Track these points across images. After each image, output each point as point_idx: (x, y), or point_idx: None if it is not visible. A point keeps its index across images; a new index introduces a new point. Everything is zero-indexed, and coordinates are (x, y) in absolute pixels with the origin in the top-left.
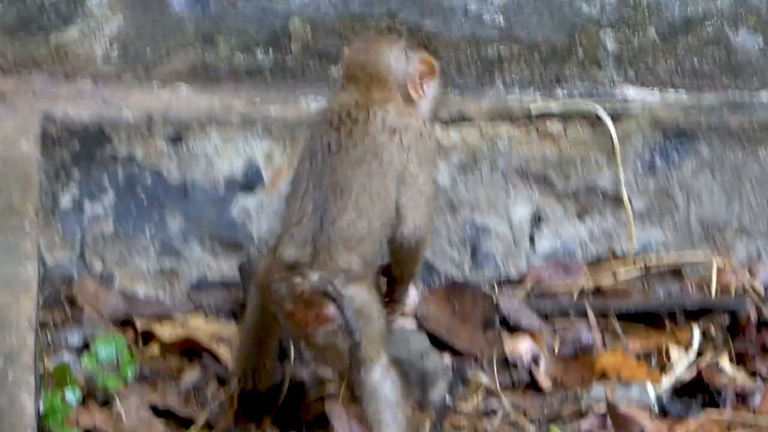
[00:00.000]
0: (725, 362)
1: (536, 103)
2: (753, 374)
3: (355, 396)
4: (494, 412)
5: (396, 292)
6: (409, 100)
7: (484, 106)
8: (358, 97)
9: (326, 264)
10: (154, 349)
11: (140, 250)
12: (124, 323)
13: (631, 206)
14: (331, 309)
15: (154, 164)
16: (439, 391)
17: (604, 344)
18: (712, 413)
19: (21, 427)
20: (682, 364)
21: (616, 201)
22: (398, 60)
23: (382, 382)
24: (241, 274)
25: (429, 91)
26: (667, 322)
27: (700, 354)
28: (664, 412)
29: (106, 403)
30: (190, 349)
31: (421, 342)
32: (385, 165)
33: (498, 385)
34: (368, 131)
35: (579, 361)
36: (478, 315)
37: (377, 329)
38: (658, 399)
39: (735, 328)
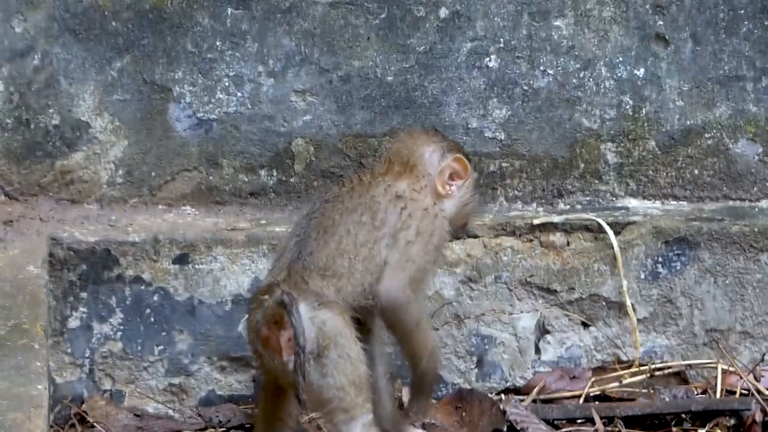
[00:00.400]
0: None
1: (539, 216)
2: None
3: None
4: None
5: (412, 402)
6: (435, 193)
7: (488, 220)
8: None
9: (297, 285)
10: None
11: (149, 367)
12: None
13: (635, 313)
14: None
15: (161, 284)
16: None
17: None
18: None
19: None
20: None
21: (620, 309)
22: (432, 153)
23: None
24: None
25: (456, 192)
26: (673, 426)
27: None
28: None
29: None
30: None
31: None
32: (378, 221)
33: None
34: (369, 191)
35: None
36: (486, 423)
37: (356, 373)
38: None
39: (740, 429)
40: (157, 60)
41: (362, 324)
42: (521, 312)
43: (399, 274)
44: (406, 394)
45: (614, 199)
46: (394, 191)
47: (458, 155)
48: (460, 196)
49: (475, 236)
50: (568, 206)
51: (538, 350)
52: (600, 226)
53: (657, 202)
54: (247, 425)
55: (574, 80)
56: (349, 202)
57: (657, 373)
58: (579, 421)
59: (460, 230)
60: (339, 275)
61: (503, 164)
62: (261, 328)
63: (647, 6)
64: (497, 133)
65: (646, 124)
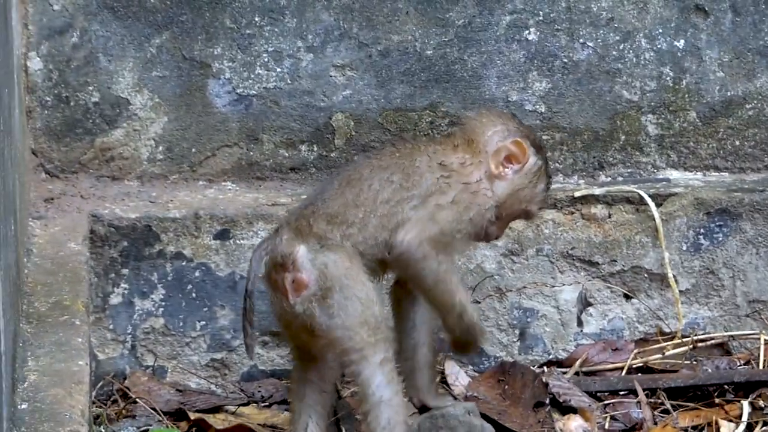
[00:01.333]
0: None
1: (580, 188)
2: None
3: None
4: None
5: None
6: (489, 173)
7: None
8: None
9: (300, 228)
10: None
11: (191, 343)
12: (178, 415)
13: (677, 285)
14: (305, 273)
15: (202, 260)
16: None
17: (654, 420)
18: None
19: None
20: None
21: (662, 280)
22: (495, 132)
23: (374, 379)
24: None
25: (511, 175)
26: (716, 397)
27: (750, 427)
28: None
29: None
30: None
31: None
32: (410, 183)
33: None
34: (412, 155)
35: None
36: (528, 395)
37: (367, 313)
38: None
39: None
40: (196, 36)
41: (404, 286)
42: (563, 284)
43: (417, 227)
44: (449, 368)
45: (655, 170)
46: (439, 160)
47: (518, 139)
48: (514, 180)
49: None
50: (609, 178)
51: (580, 322)
52: (641, 197)
53: (698, 173)
54: (289, 400)
55: (614, 52)
56: (385, 160)
57: (699, 344)
58: (622, 392)
59: (517, 217)
60: (349, 224)
61: (544, 137)
62: (270, 271)
63: None
64: (537, 106)
65: (686, 96)
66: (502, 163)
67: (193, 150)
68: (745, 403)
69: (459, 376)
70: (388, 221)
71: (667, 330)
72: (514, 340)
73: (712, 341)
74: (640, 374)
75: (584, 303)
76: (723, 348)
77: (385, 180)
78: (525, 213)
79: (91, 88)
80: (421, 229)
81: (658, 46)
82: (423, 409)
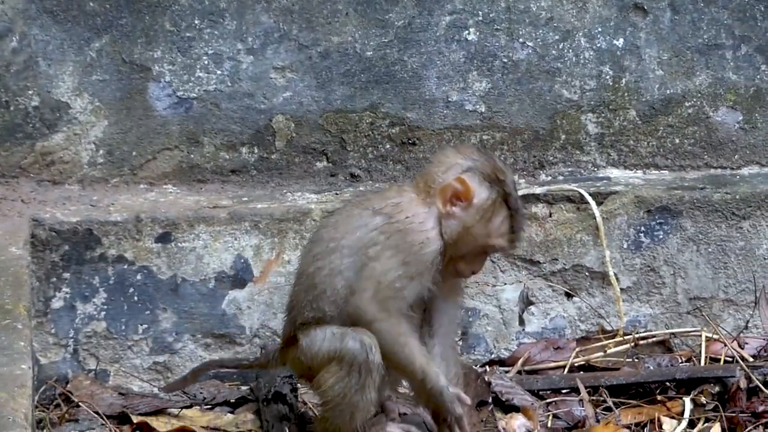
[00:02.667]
0: (717, 430)
1: (520, 187)
2: None
3: None
4: None
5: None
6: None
7: None
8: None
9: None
10: None
11: (133, 346)
12: (121, 419)
13: (619, 283)
14: None
15: (143, 263)
16: None
17: (596, 418)
18: None
19: None
20: None
21: (604, 279)
22: (445, 168)
23: None
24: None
25: (459, 213)
26: (658, 394)
27: (692, 423)
28: None
29: None
30: None
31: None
32: (347, 235)
33: None
34: (358, 205)
35: None
36: (471, 394)
37: None
38: None
39: (725, 396)
40: (136, 39)
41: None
42: (505, 284)
43: (357, 286)
44: None
45: (596, 169)
46: (374, 206)
47: (461, 176)
48: (463, 218)
49: None
50: (549, 177)
51: (522, 321)
52: (582, 196)
53: (638, 171)
54: (232, 401)
55: (554, 52)
56: (337, 215)
57: (641, 342)
58: (564, 391)
59: (485, 252)
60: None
61: (484, 137)
62: None
63: None
64: (477, 106)
65: (626, 94)
66: (450, 201)
67: (134, 153)
68: (687, 400)
69: None
70: (336, 283)
71: (609, 328)
72: (457, 339)
73: (654, 339)
74: (582, 372)
75: (526, 302)
76: (665, 345)
77: (329, 239)
78: (491, 248)
79: (30, 92)
80: (362, 288)
81: (598, 45)
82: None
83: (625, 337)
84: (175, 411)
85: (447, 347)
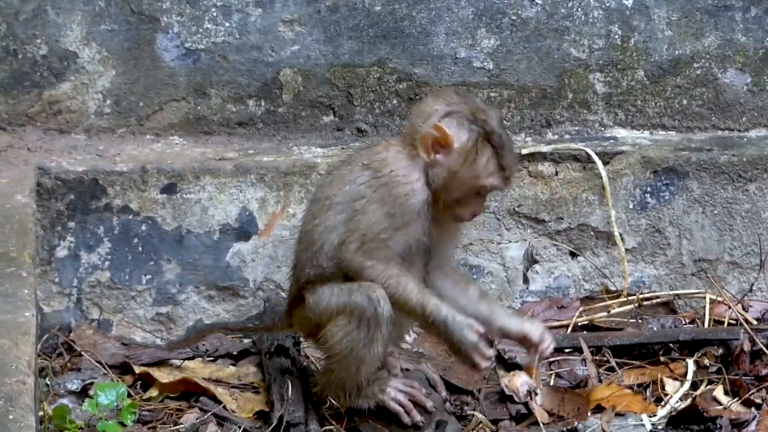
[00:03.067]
0: (720, 392)
1: (527, 145)
2: (747, 403)
3: None
4: None
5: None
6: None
7: None
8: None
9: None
10: (153, 392)
11: (136, 297)
12: (123, 369)
13: (623, 243)
14: None
15: (148, 214)
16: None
17: (599, 378)
18: None
19: None
20: (677, 395)
21: (609, 239)
22: (424, 117)
23: None
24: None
25: (442, 160)
26: (661, 355)
27: (694, 385)
28: None
29: None
30: (189, 392)
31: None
32: (339, 190)
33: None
34: (350, 160)
35: (575, 394)
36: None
37: None
38: (654, 430)
39: (728, 358)
40: None
41: None
42: (509, 242)
43: (345, 238)
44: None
45: (603, 129)
46: (363, 161)
47: (437, 123)
48: (447, 163)
49: None
50: (556, 136)
51: (526, 280)
52: (588, 155)
53: (645, 131)
54: (234, 354)
55: (563, 10)
56: (336, 172)
57: (645, 302)
58: (567, 350)
59: (478, 193)
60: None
61: (491, 94)
62: None
63: None
64: (485, 63)
65: (634, 54)
66: (432, 149)
67: (141, 104)
68: (690, 362)
69: None
70: (333, 239)
71: (613, 288)
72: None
73: (658, 300)
74: (585, 332)
75: (530, 260)
76: (668, 307)
77: (324, 197)
78: (483, 188)
79: (39, 41)
80: (349, 240)
81: (607, 4)
82: None
83: (629, 298)
84: (177, 362)
85: (449, 277)
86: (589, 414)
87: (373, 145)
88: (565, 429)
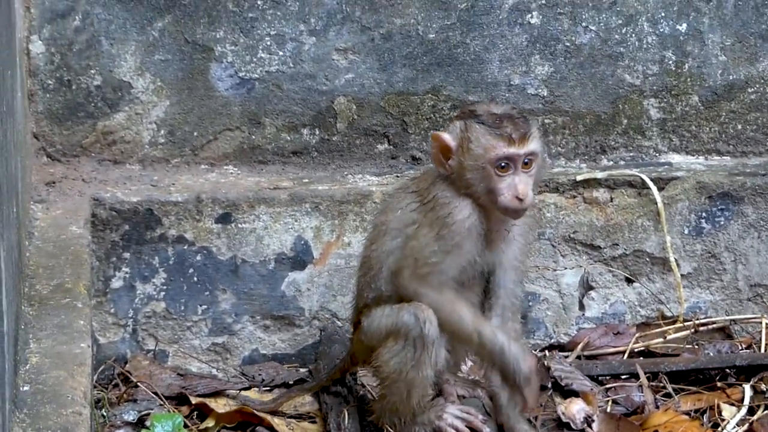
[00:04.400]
0: None
1: (582, 172)
2: None
3: None
4: None
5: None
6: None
7: None
8: None
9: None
10: (210, 423)
11: (192, 327)
12: (179, 399)
13: (679, 269)
14: None
15: (203, 243)
16: None
17: (656, 404)
18: None
19: None
20: (733, 420)
21: (664, 264)
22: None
23: None
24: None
25: (453, 165)
26: (717, 381)
27: (751, 410)
28: None
29: None
30: (245, 422)
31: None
32: (392, 217)
33: None
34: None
35: (628, 421)
36: (537, 378)
37: None
38: None
39: None
40: (198, 19)
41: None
42: (565, 268)
43: (399, 264)
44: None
45: (657, 154)
46: (410, 189)
47: (435, 132)
48: (458, 165)
49: None
50: (611, 162)
51: (582, 306)
52: (643, 181)
53: (700, 157)
54: (290, 383)
55: (617, 36)
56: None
57: (701, 328)
58: (623, 376)
59: (494, 171)
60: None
61: (546, 120)
62: None
63: None
64: (540, 90)
65: (688, 80)
66: (445, 160)
67: (195, 134)
68: (747, 387)
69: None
70: (390, 263)
71: (669, 314)
72: (519, 318)
73: (714, 325)
74: (641, 358)
75: (586, 287)
76: (724, 332)
77: (380, 222)
78: (495, 162)
79: (93, 71)
80: (403, 266)
81: (661, 30)
82: None
83: (685, 323)
84: (233, 392)
85: (506, 320)
86: None
87: (423, 172)
88: None
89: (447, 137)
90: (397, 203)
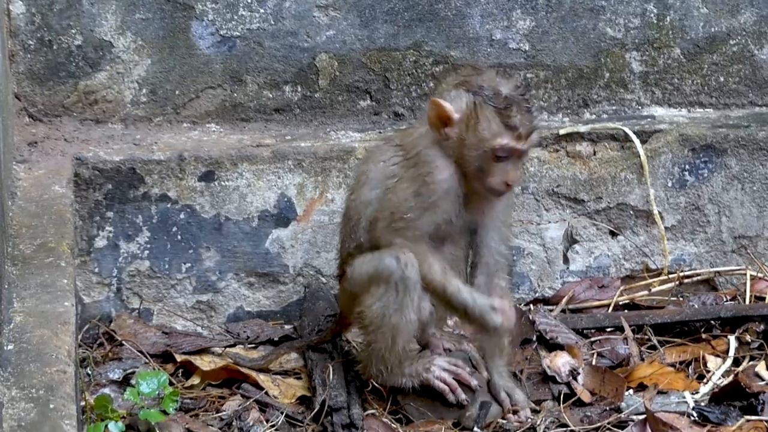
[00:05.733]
0: (762, 368)
1: (565, 126)
2: None
3: None
4: (535, 429)
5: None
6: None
7: None
8: None
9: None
10: (195, 380)
11: (176, 285)
12: (164, 357)
13: (663, 222)
14: None
15: (187, 202)
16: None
17: (641, 356)
18: (750, 418)
19: None
20: (719, 372)
21: (648, 217)
22: (431, 99)
23: None
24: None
25: (451, 134)
26: (702, 333)
27: (736, 361)
28: (703, 419)
29: None
30: (230, 379)
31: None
32: (376, 171)
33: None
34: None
35: (613, 373)
36: (515, 333)
37: None
38: (697, 407)
39: None
40: None
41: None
42: (549, 222)
43: (376, 216)
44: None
45: (640, 107)
46: (395, 142)
47: (433, 99)
48: (456, 137)
49: None
50: (594, 116)
51: (566, 260)
52: (626, 134)
53: (683, 109)
54: (275, 340)
55: None
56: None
57: (686, 280)
58: (608, 329)
59: (497, 159)
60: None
61: (528, 75)
62: None
63: None
64: (521, 44)
65: (670, 32)
66: (441, 126)
67: (177, 92)
68: (732, 338)
69: None
70: (368, 213)
71: (653, 266)
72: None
73: (698, 277)
74: (626, 311)
75: (570, 240)
76: (709, 284)
77: (360, 172)
78: (498, 150)
79: (73, 31)
80: (379, 217)
81: None
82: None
83: (670, 276)
84: (218, 350)
85: (491, 278)
86: (632, 392)
87: (408, 126)
88: (607, 408)
89: (449, 107)
90: (380, 154)
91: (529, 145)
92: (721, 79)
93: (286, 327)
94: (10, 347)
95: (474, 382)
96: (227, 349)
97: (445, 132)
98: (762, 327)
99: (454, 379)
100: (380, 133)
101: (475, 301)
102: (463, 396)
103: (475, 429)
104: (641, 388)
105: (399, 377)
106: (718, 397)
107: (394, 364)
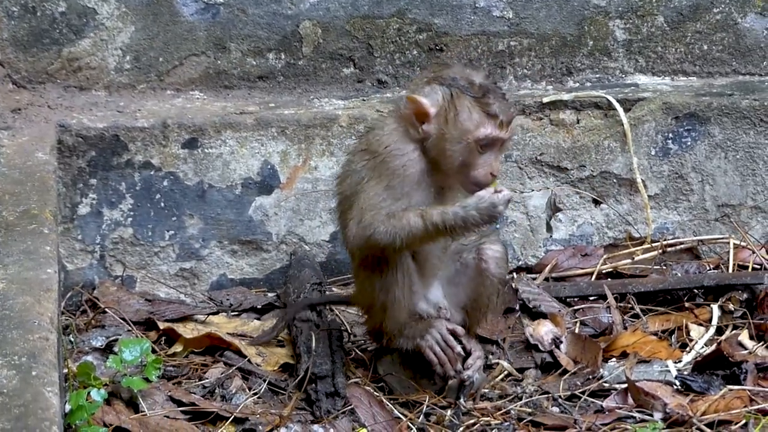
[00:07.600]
0: (745, 337)
1: (548, 94)
2: None
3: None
4: (518, 397)
5: None
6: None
7: None
8: None
9: None
10: (178, 348)
11: (160, 253)
12: (147, 325)
13: (646, 190)
14: None
15: (170, 169)
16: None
17: (624, 325)
18: (733, 387)
19: (46, 421)
20: (702, 340)
21: (631, 185)
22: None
23: None
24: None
25: (429, 130)
26: (685, 301)
27: (719, 330)
28: (686, 388)
29: (131, 401)
30: (213, 347)
31: None
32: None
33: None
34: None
35: (592, 341)
36: (499, 301)
37: None
38: (680, 375)
39: (753, 303)
40: None
41: None
42: (532, 190)
43: (349, 220)
44: None
45: (623, 75)
46: (362, 146)
47: (412, 95)
48: (435, 132)
49: None
50: (577, 84)
51: (549, 228)
52: (610, 103)
53: (666, 78)
54: (258, 308)
55: None
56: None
57: (669, 249)
58: (591, 298)
59: (480, 149)
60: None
61: (512, 43)
62: None
63: None
64: (505, 12)
65: (654, 0)
66: (417, 122)
67: (161, 59)
68: (715, 307)
69: None
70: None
71: (637, 235)
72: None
73: (682, 246)
74: (609, 279)
75: (553, 209)
76: (692, 252)
77: (338, 193)
78: (481, 141)
79: None
80: (351, 218)
81: None
82: None
83: (653, 244)
84: (201, 317)
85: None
86: (614, 360)
87: (373, 124)
88: (590, 376)
89: (425, 102)
90: (350, 168)
91: (511, 133)
92: (705, 47)
93: (270, 295)
94: None
95: (459, 366)
96: (210, 316)
97: (424, 129)
98: (745, 296)
99: (444, 353)
100: (363, 101)
101: (457, 213)
102: (451, 372)
103: (460, 399)
104: (624, 356)
105: (399, 338)
106: (701, 365)
107: (395, 333)
